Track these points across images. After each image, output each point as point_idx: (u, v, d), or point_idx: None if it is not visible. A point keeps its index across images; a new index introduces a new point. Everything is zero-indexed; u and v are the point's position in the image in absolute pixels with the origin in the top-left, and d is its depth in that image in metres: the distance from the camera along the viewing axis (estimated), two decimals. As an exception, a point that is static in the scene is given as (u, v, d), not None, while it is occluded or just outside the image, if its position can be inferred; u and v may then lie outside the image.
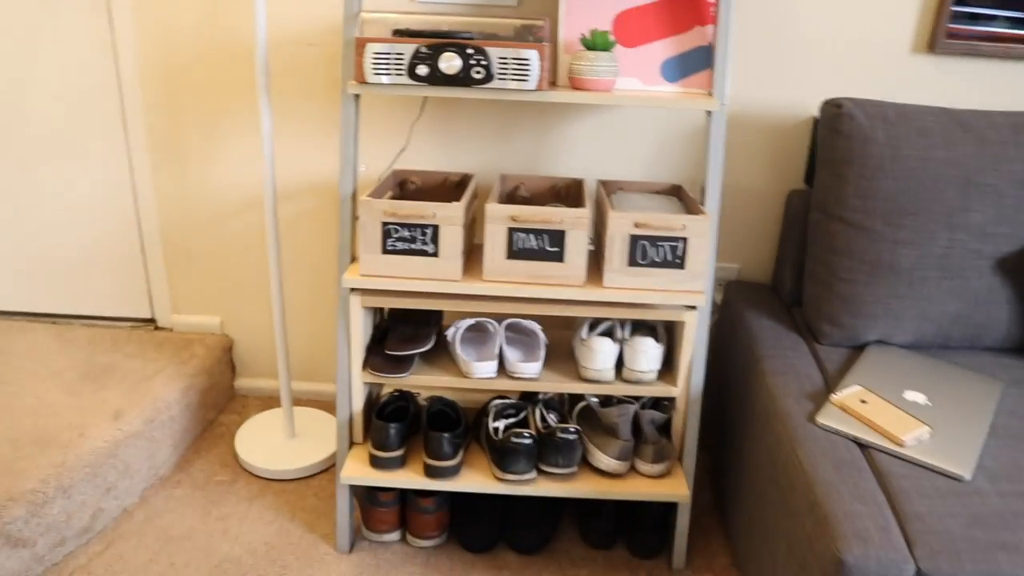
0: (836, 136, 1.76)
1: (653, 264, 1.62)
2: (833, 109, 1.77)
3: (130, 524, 1.91)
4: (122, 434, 1.91)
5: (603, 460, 1.76)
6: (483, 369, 1.72)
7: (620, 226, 1.60)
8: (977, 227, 1.72)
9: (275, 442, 2.18)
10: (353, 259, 1.72)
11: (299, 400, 2.44)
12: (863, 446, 1.49)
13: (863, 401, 1.56)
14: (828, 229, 1.79)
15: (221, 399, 2.37)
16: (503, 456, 1.72)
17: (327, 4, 2.01)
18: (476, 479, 1.76)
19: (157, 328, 2.40)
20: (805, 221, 1.95)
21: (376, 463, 1.76)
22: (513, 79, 1.54)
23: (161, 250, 2.29)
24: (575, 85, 1.62)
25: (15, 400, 1.98)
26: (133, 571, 1.77)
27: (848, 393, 1.59)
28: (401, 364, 1.75)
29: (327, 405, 2.41)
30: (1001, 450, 1.48)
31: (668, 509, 1.87)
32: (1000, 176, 1.71)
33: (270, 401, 2.43)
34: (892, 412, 1.53)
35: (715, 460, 2.08)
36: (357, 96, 1.65)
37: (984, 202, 1.71)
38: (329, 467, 2.14)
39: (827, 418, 1.53)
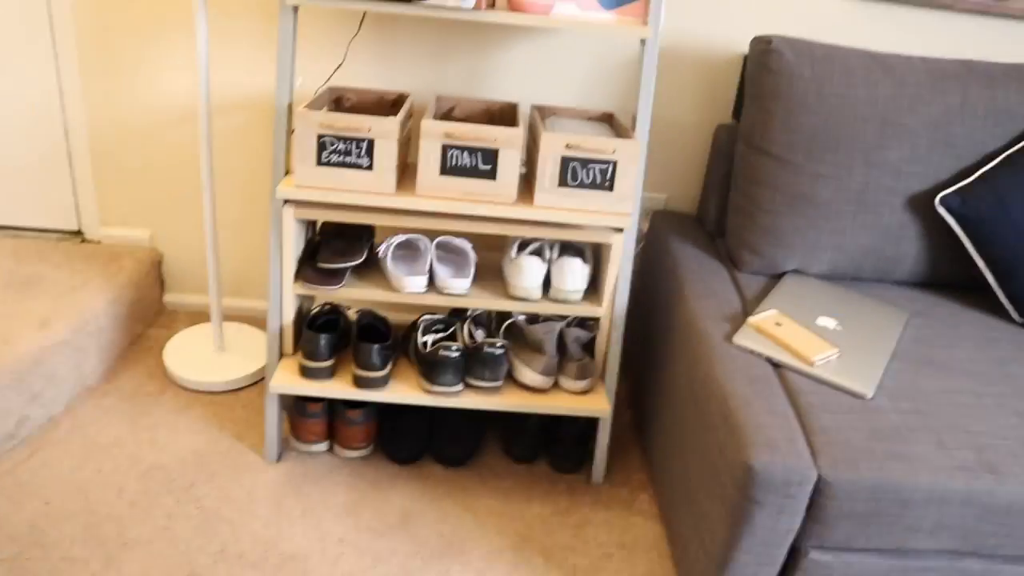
0: (764, 72, 1.81)
1: (583, 185, 1.66)
2: (763, 45, 1.83)
3: (56, 432, 1.91)
4: (48, 342, 1.91)
5: (528, 375, 1.82)
6: (413, 284, 1.75)
7: (552, 147, 1.63)
8: (892, 165, 1.80)
9: (204, 356, 2.19)
10: (287, 172, 1.73)
11: (229, 316, 2.44)
12: (776, 365, 1.57)
13: (778, 324, 1.64)
14: (753, 162, 1.86)
15: (149, 313, 2.36)
16: (431, 368, 1.76)
17: (266, -85, 1.99)
18: (404, 391, 1.81)
19: (84, 240, 2.37)
20: (731, 154, 2.01)
21: (306, 373, 1.79)
22: (453, -4, 1.55)
23: (90, 161, 2.25)
24: (513, 6, 1.64)
25: (-63, 305, 1.96)
26: (59, 477, 1.79)
27: (764, 316, 1.66)
28: (333, 277, 1.77)
29: (257, 321, 2.42)
30: (902, 373, 1.57)
31: (589, 427, 1.94)
32: (916, 118, 1.79)
33: (199, 316, 2.43)
34: (804, 335, 1.61)
35: (636, 383, 2.16)
36: (295, 8, 1.64)
37: (899, 141, 1.79)
38: (257, 381, 2.17)
39: (743, 338, 1.60)
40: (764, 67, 1.81)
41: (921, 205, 1.83)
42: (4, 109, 2.21)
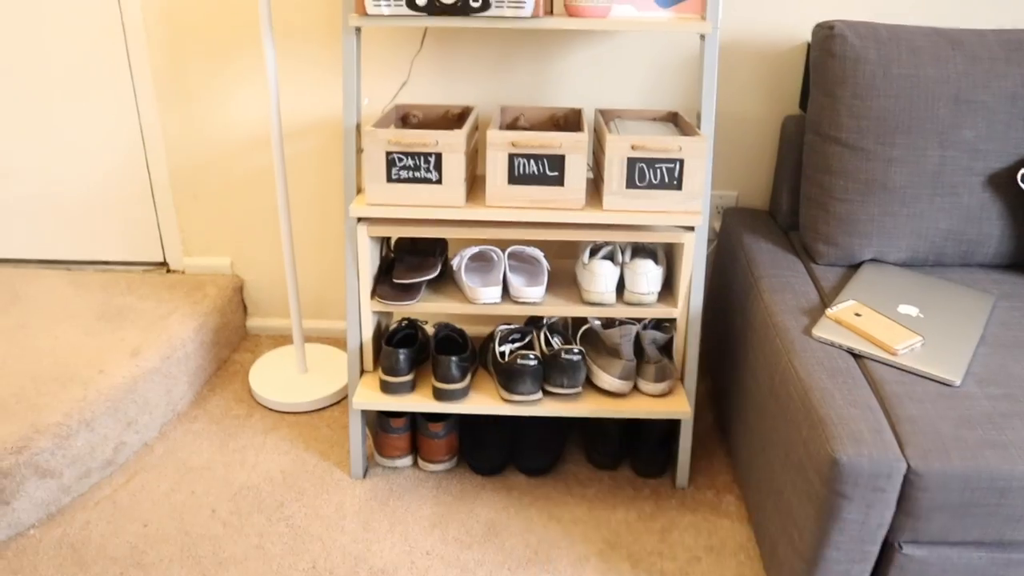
0: (828, 58, 1.78)
1: (651, 186, 1.65)
2: (825, 31, 1.80)
3: (151, 457, 1.98)
4: (140, 370, 1.97)
5: (607, 380, 1.81)
6: (488, 295, 1.76)
7: (617, 149, 1.63)
8: (968, 144, 1.75)
9: (287, 377, 2.24)
10: (359, 191, 1.77)
11: (309, 337, 2.50)
12: (857, 356, 1.53)
13: (857, 315, 1.61)
14: (823, 151, 1.82)
15: (234, 338, 2.42)
16: (509, 378, 1.77)
17: (324, -58, 2.03)
18: (484, 401, 1.82)
19: (169, 271, 2.45)
20: (801, 146, 1.98)
21: (387, 388, 1.81)
22: (510, 7, 1.56)
23: (171, 193, 2.33)
24: (571, 12, 1.64)
25: (34, 341, 2.04)
26: (156, 500, 1.84)
27: (843, 307, 1.63)
28: (408, 292, 1.80)
29: (336, 342, 2.47)
30: (990, 358, 1.53)
31: (671, 430, 1.92)
32: (990, 93, 1.74)
33: (281, 340, 2.48)
34: (885, 324, 1.58)
35: (717, 384, 2.14)
36: (358, 29, 1.67)
37: (975, 119, 1.74)
38: (340, 400, 2.20)
39: (822, 331, 1.57)
40: (828, 53, 1.79)
41: (1002, 183, 1.78)
42: (88, 147, 2.30)
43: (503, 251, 1.84)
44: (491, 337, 1.94)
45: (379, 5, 1.57)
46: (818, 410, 1.39)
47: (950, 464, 1.28)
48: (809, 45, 1.95)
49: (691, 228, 1.72)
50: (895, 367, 1.49)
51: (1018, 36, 1.79)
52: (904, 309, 1.65)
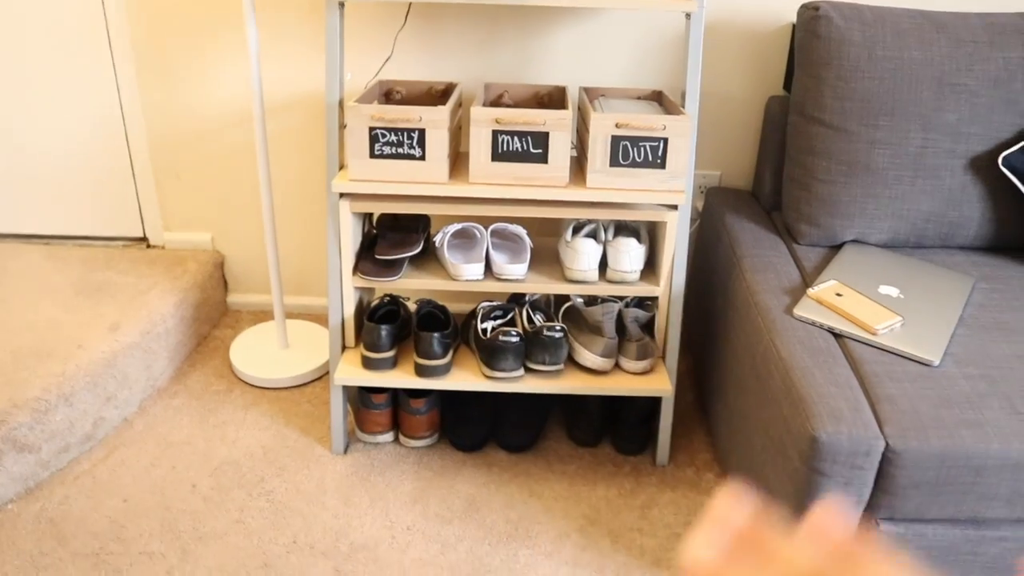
0: (813, 39, 1.79)
1: (635, 164, 1.65)
2: (810, 12, 1.80)
3: (131, 432, 1.97)
4: (119, 345, 1.96)
5: (588, 357, 1.82)
6: (470, 271, 1.76)
7: (602, 127, 1.63)
8: (951, 127, 1.76)
9: (268, 353, 2.23)
10: (341, 167, 1.76)
11: (290, 313, 2.48)
12: (838, 335, 1.54)
13: (838, 295, 1.62)
14: (806, 131, 1.83)
15: (214, 314, 2.41)
16: (491, 354, 1.77)
17: (308, -85, 2.01)
18: (466, 377, 1.82)
19: (149, 246, 2.43)
20: (784, 127, 1.99)
21: (368, 364, 1.81)
22: (495, -18, 1.55)
23: (151, 168, 2.31)
24: (556, -11, 1.63)
25: (13, 317, 2.02)
26: (136, 475, 1.84)
27: (824, 287, 1.64)
28: (391, 268, 1.79)
29: (318, 318, 2.46)
30: (969, 338, 1.54)
31: (652, 407, 1.93)
32: (974, 76, 1.75)
33: (262, 316, 2.47)
34: (866, 304, 1.59)
35: (697, 362, 2.15)
36: (342, 4, 1.66)
37: (958, 102, 1.75)
38: (321, 376, 2.20)
39: (804, 310, 1.58)
40: (813, 34, 1.79)
41: (983, 166, 1.79)
42: (69, 124, 2.27)
43: (486, 228, 1.84)
44: (473, 314, 1.93)
45: (363, -22, 1.56)
46: (798, 388, 1.40)
47: (927, 443, 1.30)
48: (794, 26, 1.95)
49: (674, 207, 1.72)
50: (875, 347, 1.50)
51: (1002, 20, 1.80)
52: (884, 290, 1.66)
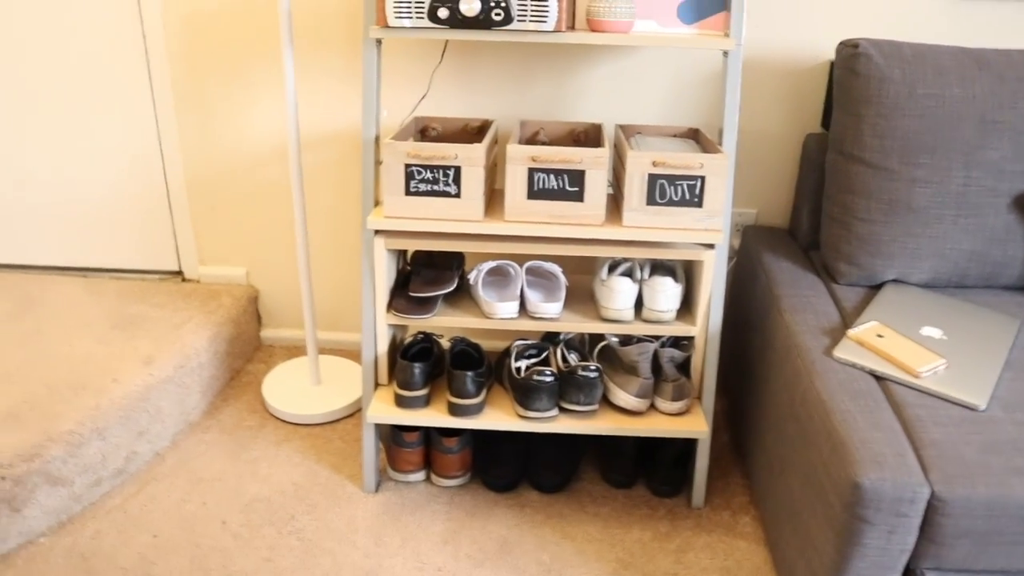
0: (853, 76, 1.77)
1: (671, 203, 1.64)
2: (849, 49, 1.78)
3: (162, 467, 1.97)
4: (153, 379, 1.96)
5: (623, 398, 1.79)
6: (505, 309, 1.75)
7: (638, 165, 1.62)
8: (993, 165, 1.73)
9: (301, 389, 2.22)
10: (376, 203, 1.76)
11: (323, 349, 2.48)
12: (879, 378, 1.51)
13: (880, 336, 1.59)
14: (845, 170, 1.81)
15: (248, 348, 2.41)
16: (525, 394, 1.76)
17: (346, -46, 2.03)
18: (499, 417, 1.80)
19: (184, 280, 2.45)
20: (822, 164, 1.97)
21: (401, 402, 1.80)
22: (532, 20, 1.55)
23: (187, 202, 2.33)
24: (593, 27, 1.63)
25: (49, 348, 2.03)
26: (166, 510, 1.83)
27: (865, 328, 1.61)
28: (425, 306, 1.78)
29: (351, 354, 2.45)
30: (1016, 382, 1.50)
31: (687, 449, 1.90)
32: (1017, 113, 1.72)
33: (295, 351, 2.47)
34: (908, 346, 1.56)
35: (734, 403, 2.12)
36: (379, 41, 1.67)
37: (1000, 139, 1.72)
38: (354, 412, 2.19)
39: (844, 352, 1.55)
40: (852, 71, 1.77)
41: (1027, 206, 1.76)
42: (107, 155, 2.30)
43: (520, 266, 1.83)
44: (507, 352, 1.92)
45: (401, 17, 1.57)
46: (840, 432, 1.37)
47: (975, 490, 1.26)
48: (832, 63, 1.93)
49: (711, 246, 1.70)
50: (918, 390, 1.47)
51: (1045, 57, 1.77)
52: (927, 331, 1.62)
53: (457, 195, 1.65)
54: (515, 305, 1.76)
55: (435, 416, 1.81)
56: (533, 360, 1.89)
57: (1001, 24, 1.98)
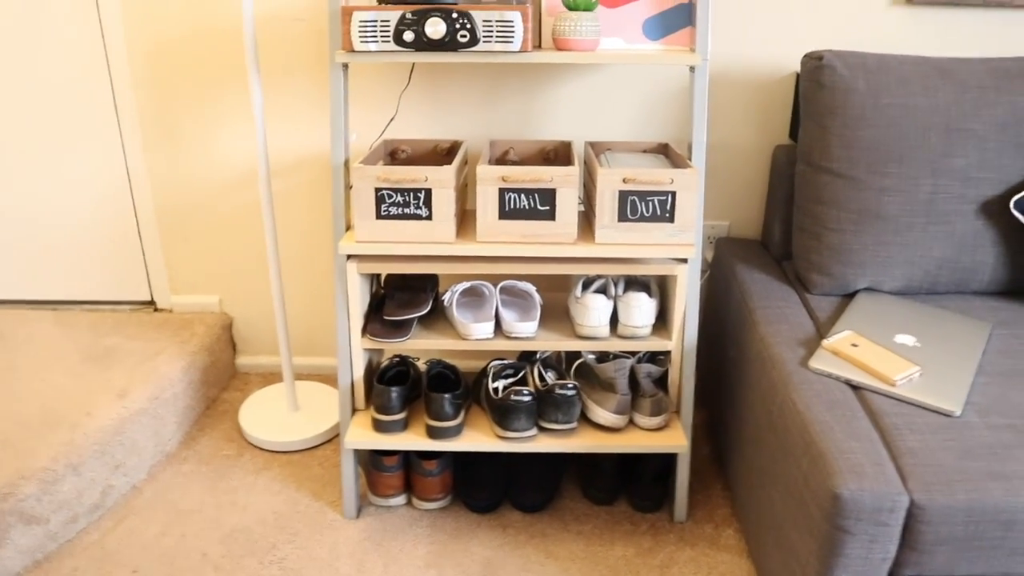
0: (818, 88, 1.78)
1: (643, 219, 1.64)
2: (814, 62, 1.80)
3: (140, 500, 1.94)
4: (127, 412, 1.94)
5: (602, 415, 1.79)
6: (480, 330, 1.74)
7: (609, 182, 1.62)
8: (960, 172, 1.75)
9: (278, 416, 2.21)
10: (348, 227, 1.75)
11: (299, 375, 2.47)
12: (855, 387, 1.52)
13: (854, 345, 1.60)
14: (814, 180, 1.82)
15: (223, 377, 2.39)
16: (504, 414, 1.75)
17: (311, -21, 2.03)
18: (478, 438, 1.80)
19: (157, 310, 2.43)
20: (792, 175, 1.98)
21: (379, 427, 1.79)
22: (498, 41, 1.56)
23: (157, 232, 2.31)
24: (559, 46, 1.64)
25: (21, 384, 2.01)
26: (145, 544, 1.81)
27: (839, 338, 1.62)
28: (400, 329, 1.78)
29: (327, 379, 2.44)
30: (989, 387, 1.51)
31: (668, 463, 1.90)
32: (981, 121, 1.74)
33: (271, 377, 2.46)
34: (883, 354, 1.57)
35: (712, 416, 2.12)
36: (345, 66, 1.67)
37: (966, 147, 1.74)
38: (332, 438, 2.17)
39: (819, 362, 1.56)
40: (817, 83, 1.78)
41: (995, 211, 1.77)
42: (74, 187, 2.28)
43: (495, 286, 1.82)
44: (484, 372, 1.91)
45: (366, 41, 1.57)
46: (818, 443, 1.37)
47: (953, 497, 1.26)
48: (798, 75, 1.95)
49: (684, 260, 1.71)
50: (894, 398, 1.48)
51: (1006, 64, 1.79)
52: (901, 339, 1.63)
53: (428, 217, 1.64)
54: (490, 325, 1.75)
55: (414, 439, 1.80)
56: (510, 380, 1.88)
57: (961, 33, 2.00)
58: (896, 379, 1.49)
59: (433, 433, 1.78)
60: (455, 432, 1.79)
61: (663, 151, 1.91)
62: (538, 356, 1.93)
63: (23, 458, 1.74)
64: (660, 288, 1.86)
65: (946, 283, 1.84)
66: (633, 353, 1.87)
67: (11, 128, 2.24)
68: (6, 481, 1.67)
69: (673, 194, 1.62)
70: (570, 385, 1.76)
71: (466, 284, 1.83)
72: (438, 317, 1.88)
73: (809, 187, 1.83)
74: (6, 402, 1.93)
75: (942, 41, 2.02)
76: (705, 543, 1.82)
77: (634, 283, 1.84)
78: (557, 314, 1.89)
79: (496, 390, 1.83)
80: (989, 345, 1.65)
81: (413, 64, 2.07)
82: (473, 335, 1.75)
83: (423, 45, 1.56)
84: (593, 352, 1.86)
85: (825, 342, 1.61)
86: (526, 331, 1.75)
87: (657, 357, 1.89)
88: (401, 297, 1.84)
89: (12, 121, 2.23)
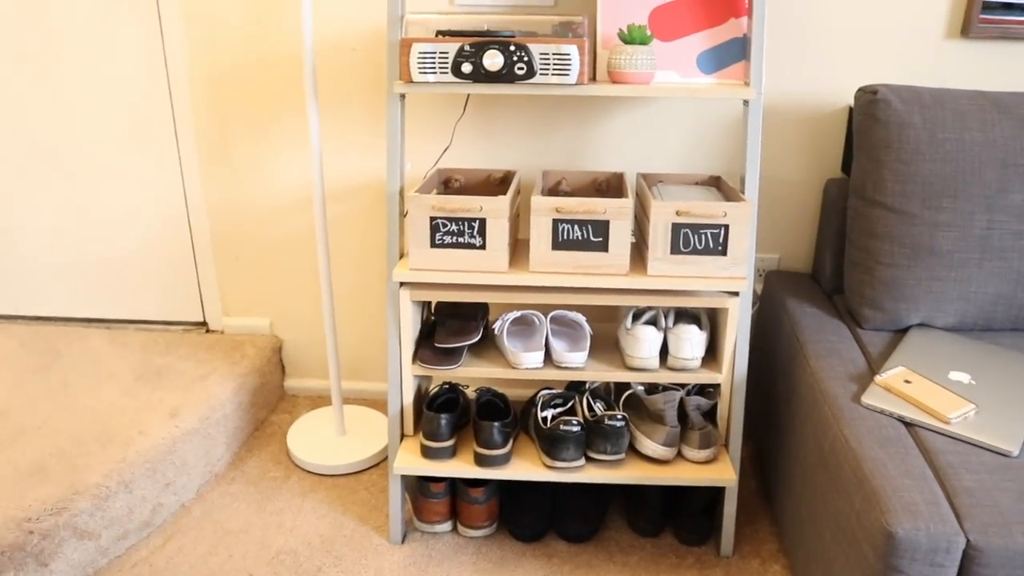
0: (872, 122, 1.78)
1: (695, 251, 1.64)
2: (868, 96, 1.79)
3: (188, 519, 1.97)
4: (179, 431, 1.97)
5: (650, 446, 1.79)
6: (530, 359, 1.75)
7: (662, 215, 1.63)
8: (1017, 208, 1.73)
9: (326, 439, 2.23)
10: (402, 255, 1.77)
11: (347, 399, 2.49)
12: (909, 424, 1.50)
13: (907, 381, 1.58)
14: (867, 215, 1.81)
15: (272, 399, 2.42)
16: (552, 444, 1.75)
17: (369, 9, 2.06)
18: (526, 467, 1.80)
19: (209, 331, 2.46)
20: (843, 209, 1.97)
21: (427, 453, 1.80)
22: (555, 74, 1.58)
23: (212, 254, 2.35)
24: (614, 79, 1.65)
25: (75, 401, 2.05)
26: (193, 563, 1.83)
27: (892, 374, 1.60)
28: (450, 356, 1.79)
29: (375, 404, 2.46)
30: (1047, 427, 1.49)
31: (715, 496, 1.89)
32: (1039, 157, 1.73)
33: (319, 400, 2.48)
34: (937, 391, 1.55)
35: (760, 449, 2.10)
36: (403, 96, 1.69)
37: (1023, 183, 1.72)
38: (379, 463, 2.19)
39: (872, 398, 1.55)
40: (872, 117, 1.78)
41: (1052, 249, 1.75)
42: (132, 208, 2.33)
43: (545, 315, 1.83)
44: (533, 402, 1.92)
45: (425, 73, 1.59)
46: (871, 481, 1.36)
47: (1012, 539, 1.24)
48: (851, 109, 1.94)
49: (735, 293, 1.71)
50: (948, 436, 1.46)
51: (1065, 100, 1.78)
52: (955, 376, 1.62)
53: (482, 247, 1.66)
54: (540, 355, 1.76)
55: (461, 467, 1.80)
56: (559, 409, 1.89)
57: (1017, 66, 1.99)
58: (951, 417, 1.47)
59: (481, 461, 1.78)
60: (503, 460, 1.79)
61: (715, 184, 1.92)
62: (587, 386, 1.93)
63: (77, 473, 1.77)
64: (710, 320, 1.86)
65: (1002, 320, 1.82)
66: (682, 385, 1.86)
67: (73, 149, 2.29)
68: (60, 496, 1.70)
69: (726, 227, 1.62)
70: (619, 416, 1.76)
71: (517, 313, 1.84)
72: (488, 345, 1.89)
73: (862, 221, 1.83)
74: (61, 418, 1.97)
75: (998, 75, 2.00)
76: (752, 578, 1.81)
77: (684, 315, 1.84)
78: (607, 345, 1.89)
79: (545, 419, 1.84)
80: (1046, 385, 1.63)
81: (468, 95, 2.09)
82: (523, 364, 1.76)
83: (481, 77, 1.58)
84: (642, 384, 1.86)
85: (878, 378, 1.59)
86: (576, 361, 1.76)
87: (706, 390, 1.88)
88: (452, 325, 1.86)
89: (74, 142, 2.28)
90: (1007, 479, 1.35)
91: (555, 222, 1.64)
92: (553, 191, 1.95)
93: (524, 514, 1.90)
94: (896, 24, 1.97)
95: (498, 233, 1.65)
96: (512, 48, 1.56)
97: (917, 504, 1.29)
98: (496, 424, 1.76)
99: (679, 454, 1.83)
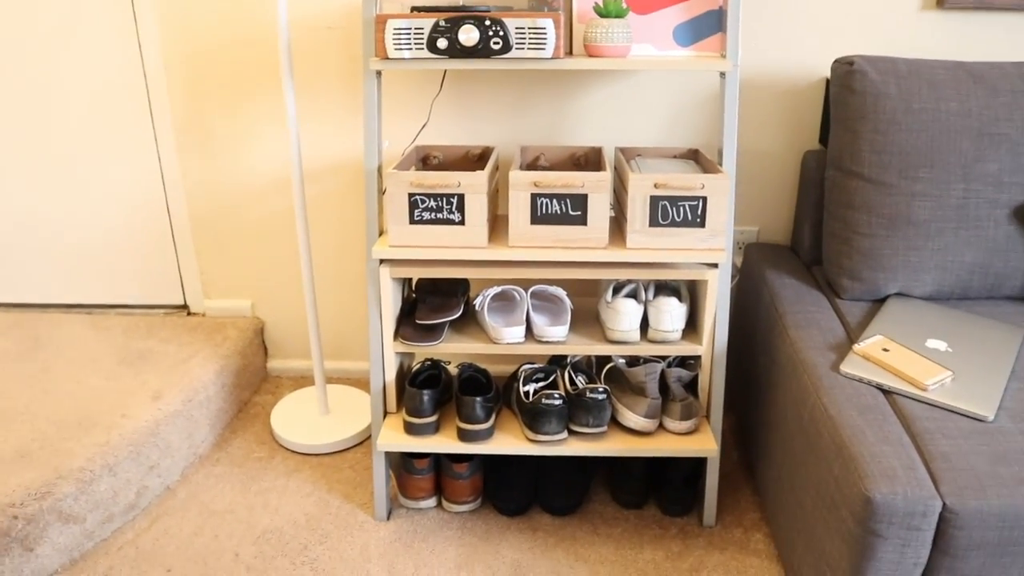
0: (849, 93, 1.79)
1: (674, 224, 1.65)
2: (845, 67, 1.80)
3: (173, 501, 1.97)
4: (162, 414, 1.97)
5: (632, 419, 1.80)
6: (511, 334, 1.76)
7: (640, 188, 1.63)
8: (992, 177, 1.75)
9: (309, 419, 2.23)
10: (381, 232, 1.77)
11: (330, 378, 2.49)
12: (887, 392, 1.52)
13: (885, 350, 1.60)
14: (845, 186, 1.82)
15: (255, 380, 2.42)
16: (535, 417, 1.76)
17: (344, -13, 2.05)
18: (509, 442, 1.81)
19: (190, 314, 2.46)
20: (821, 180, 1.98)
21: (411, 429, 1.81)
22: (530, 48, 1.57)
23: (191, 237, 2.34)
24: (590, 52, 1.65)
25: (57, 386, 2.04)
26: (179, 544, 1.83)
27: (870, 343, 1.62)
28: (432, 332, 1.79)
29: (358, 382, 2.46)
30: (1023, 392, 1.51)
31: (697, 467, 1.91)
32: (1013, 125, 1.74)
33: (302, 380, 2.48)
34: (914, 359, 1.56)
35: (741, 420, 2.12)
36: (379, 73, 1.69)
37: (998, 151, 1.74)
38: (363, 441, 2.19)
39: (850, 367, 1.56)
40: (848, 88, 1.79)
41: (1027, 217, 1.77)
42: (110, 192, 2.32)
43: (526, 290, 1.84)
44: (515, 376, 1.93)
45: (400, 49, 1.59)
46: (849, 447, 1.37)
47: (987, 501, 1.26)
48: (828, 80, 1.95)
49: (715, 265, 1.71)
50: (925, 403, 1.48)
51: (1039, 68, 1.79)
52: (932, 344, 1.63)
53: (461, 222, 1.66)
54: (521, 330, 1.77)
55: (445, 442, 1.81)
56: (541, 384, 1.89)
57: (992, 37, 2.00)
58: (928, 384, 1.49)
59: (464, 436, 1.79)
60: (486, 435, 1.80)
61: (693, 157, 1.92)
62: (569, 360, 1.94)
63: (60, 458, 1.77)
64: (690, 293, 1.87)
65: (978, 288, 1.83)
66: (663, 357, 1.88)
67: (47, 133, 2.27)
68: (44, 480, 1.70)
69: (704, 199, 1.63)
70: (600, 389, 1.77)
71: (497, 288, 1.84)
72: (469, 321, 1.90)
73: (840, 192, 1.84)
74: (43, 404, 1.96)
75: (973, 45, 2.01)
76: (734, 547, 1.83)
77: (664, 288, 1.84)
78: (587, 319, 1.90)
79: (527, 394, 1.85)
80: (1022, 350, 1.65)
81: (445, 71, 2.09)
82: (504, 339, 1.76)
83: (456, 52, 1.58)
84: (623, 356, 1.87)
85: (856, 347, 1.61)
86: (557, 335, 1.77)
87: (687, 361, 1.89)
88: (433, 301, 1.86)
89: (48, 126, 2.27)
90: (982, 443, 1.36)
91: (534, 196, 1.64)
92: (531, 166, 1.95)
93: (508, 489, 1.91)
94: (871, -5, 1.98)
95: (477, 208, 1.65)
96: (487, 23, 1.55)
97: (895, 469, 1.31)
98: (478, 399, 1.77)
99: (661, 426, 1.84)
